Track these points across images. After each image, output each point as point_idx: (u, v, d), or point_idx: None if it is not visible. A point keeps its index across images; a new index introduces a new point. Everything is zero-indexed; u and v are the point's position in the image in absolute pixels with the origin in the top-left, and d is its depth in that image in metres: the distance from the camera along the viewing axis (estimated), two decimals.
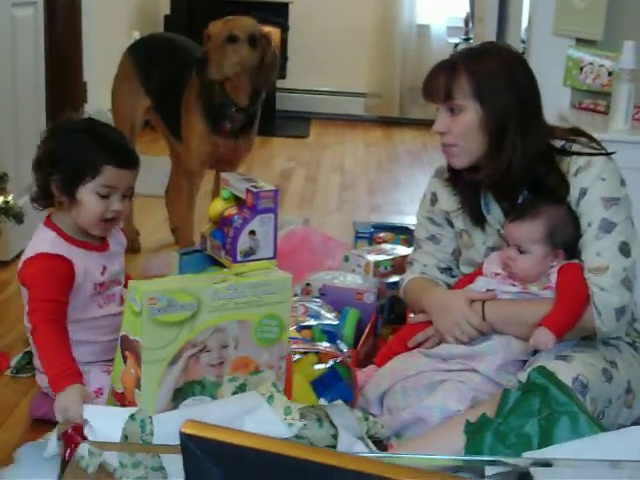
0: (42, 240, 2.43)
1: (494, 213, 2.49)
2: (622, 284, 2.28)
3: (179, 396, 2.08)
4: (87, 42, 5.43)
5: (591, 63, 3.44)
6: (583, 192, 2.33)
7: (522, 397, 2.07)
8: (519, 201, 2.43)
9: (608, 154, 2.38)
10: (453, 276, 2.65)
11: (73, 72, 5.30)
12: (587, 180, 2.33)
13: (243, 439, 1.07)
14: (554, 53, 3.48)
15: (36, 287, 2.36)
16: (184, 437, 1.15)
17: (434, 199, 2.63)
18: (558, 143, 2.41)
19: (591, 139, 2.44)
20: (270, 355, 2.16)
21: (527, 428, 2.03)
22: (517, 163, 2.33)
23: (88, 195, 2.40)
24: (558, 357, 2.23)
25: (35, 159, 2.47)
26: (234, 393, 2.07)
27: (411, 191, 5.28)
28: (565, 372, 2.15)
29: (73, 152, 2.41)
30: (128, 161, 2.45)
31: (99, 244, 2.50)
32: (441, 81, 2.34)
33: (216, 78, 3.39)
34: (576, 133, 2.46)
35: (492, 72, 2.33)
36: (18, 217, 3.20)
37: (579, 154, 2.37)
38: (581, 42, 3.50)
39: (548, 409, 2.03)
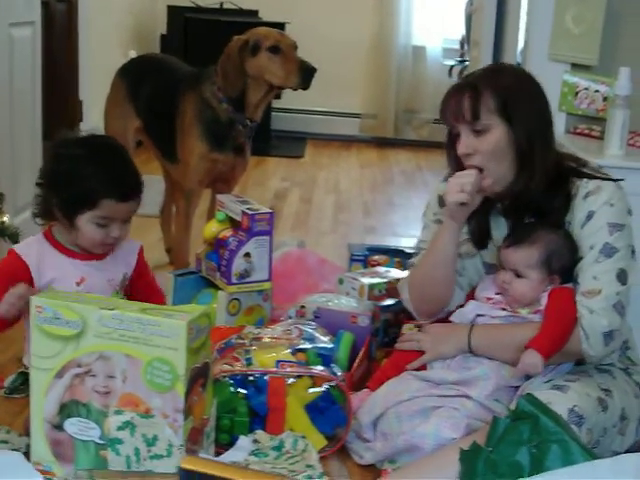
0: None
1: (501, 230, 2.47)
2: (613, 308, 2.25)
3: (64, 411, 2.10)
4: (83, 61, 5.46)
5: (586, 88, 3.45)
6: (590, 215, 2.31)
7: (511, 425, 2.06)
8: (525, 220, 2.41)
9: (617, 180, 2.37)
10: None
11: (69, 91, 5.32)
12: (596, 204, 2.31)
13: (235, 473, 1.09)
14: (549, 78, 3.47)
15: None
16: (184, 473, 1.17)
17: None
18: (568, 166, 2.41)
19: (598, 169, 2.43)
20: (163, 403, 2.04)
21: (518, 457, 2.02)
22: (549, 175, 2.33)
23: (86, 224, 2.37)
24: (553, 387, 2.21)
25: (38, 176, 2.43)
26: (119, 428, 2.06)
27: (406, 213, 5.29)
28: (561, 402, 2.13)
29: (72, 181, 2.35)
30: (129, 194, 2.38)
31: (87, 253, 2.45)
32: (466, 102, 2.30)
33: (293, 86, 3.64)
34: (581, 161, 2.46)
35: (513, 87, 2.33)
36: (14, 237, 3.18)
37: (591, 177, 2.36)
38: (576, 67, 3.51)
39: (538, 437, 2.01)
